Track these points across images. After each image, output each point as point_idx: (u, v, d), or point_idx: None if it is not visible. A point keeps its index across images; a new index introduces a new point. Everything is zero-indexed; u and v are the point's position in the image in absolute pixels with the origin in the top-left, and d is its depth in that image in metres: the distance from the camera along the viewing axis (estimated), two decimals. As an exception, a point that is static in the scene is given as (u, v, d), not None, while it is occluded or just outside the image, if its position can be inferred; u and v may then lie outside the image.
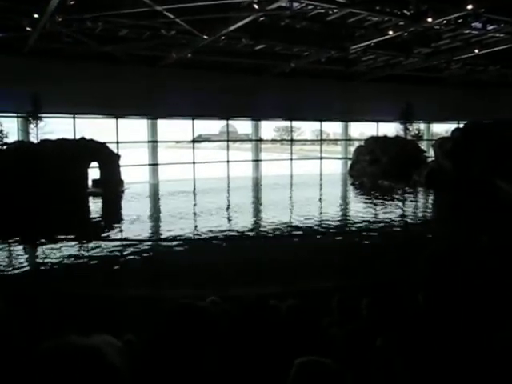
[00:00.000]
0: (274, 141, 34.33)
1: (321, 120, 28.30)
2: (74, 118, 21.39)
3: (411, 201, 19.87)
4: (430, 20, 15.84)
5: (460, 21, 17.20)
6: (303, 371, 1.70)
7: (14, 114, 19.94)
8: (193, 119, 25.05)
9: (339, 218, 15.37)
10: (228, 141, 26.34)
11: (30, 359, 0.94)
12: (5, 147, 18.40)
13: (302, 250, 9.93)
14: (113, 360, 0.96)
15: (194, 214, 16.67)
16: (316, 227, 13.77)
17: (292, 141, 28.74)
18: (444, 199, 19.43)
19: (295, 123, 28.65)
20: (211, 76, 22.91)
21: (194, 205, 18.58)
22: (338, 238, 12.11)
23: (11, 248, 10.93)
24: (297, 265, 8.72)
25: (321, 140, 29.31)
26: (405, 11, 16.29)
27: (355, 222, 14.41)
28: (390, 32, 17.63)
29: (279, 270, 8.40)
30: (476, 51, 20.59)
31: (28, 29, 15.79)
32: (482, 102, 26.62)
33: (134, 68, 21.54)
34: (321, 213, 16.54)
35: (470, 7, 14.59)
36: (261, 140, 27.67)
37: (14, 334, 1.71)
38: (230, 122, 27.19)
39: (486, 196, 16.05)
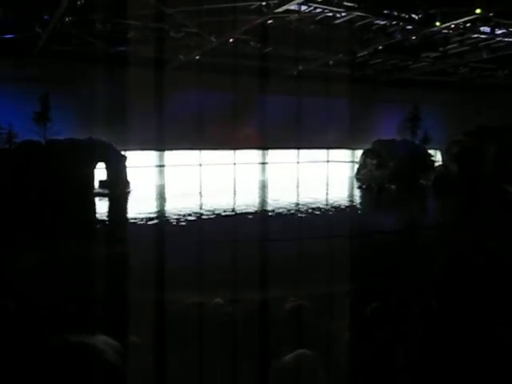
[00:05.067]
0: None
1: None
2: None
3: (418, 205, 19.77)
4: (438, 24, 15.81)
5: (468, 25, 17.13)
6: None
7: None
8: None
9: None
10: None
11: (29, 356, 0.95)
12: (13, 147, 18.56)
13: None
14: (110, 358, 0.98)
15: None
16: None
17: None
18: (451, 203, 19.33)
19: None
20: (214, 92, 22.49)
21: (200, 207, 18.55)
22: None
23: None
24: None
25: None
26: (413, 15, 16.27)
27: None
28: (398, 36, 17.62)
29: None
30: (484, 55, 20.53)
31: (38, 30, 15.90)
32: (490, 106, 26.33)
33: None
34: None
35: (478, 11, 14.54)
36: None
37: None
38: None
39: (494, 200, 15.97)
